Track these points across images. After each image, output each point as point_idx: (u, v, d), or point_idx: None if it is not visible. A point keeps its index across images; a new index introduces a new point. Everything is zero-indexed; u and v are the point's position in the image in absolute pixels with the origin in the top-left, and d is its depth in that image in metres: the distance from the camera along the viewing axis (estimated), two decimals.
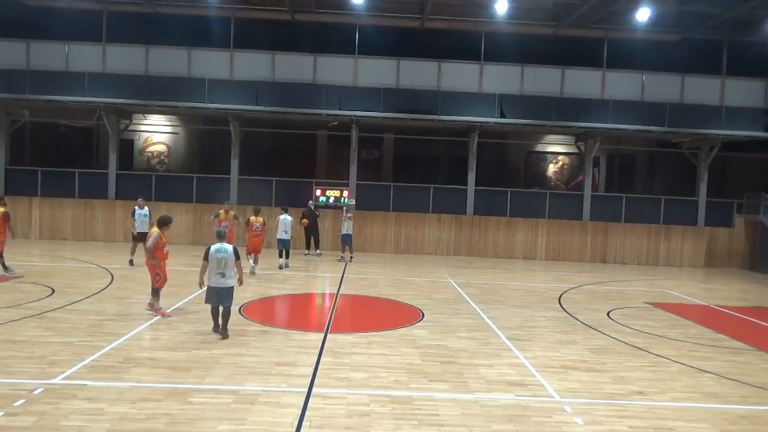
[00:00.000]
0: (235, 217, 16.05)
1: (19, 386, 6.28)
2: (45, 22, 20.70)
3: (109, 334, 8.52)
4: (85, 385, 6.43)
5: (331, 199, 21.43)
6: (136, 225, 15.02)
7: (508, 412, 6.27)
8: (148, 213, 15.09)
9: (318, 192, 21.54)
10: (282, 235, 16.05)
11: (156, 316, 9.79)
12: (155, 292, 10.03)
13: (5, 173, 21.24)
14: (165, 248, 10.12)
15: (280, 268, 15.88)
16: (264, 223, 15.23)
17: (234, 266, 8.86)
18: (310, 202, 19.50)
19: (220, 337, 8.64)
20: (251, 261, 14.78)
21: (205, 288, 8.91)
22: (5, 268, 13.02)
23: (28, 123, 22.67)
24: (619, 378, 7.65)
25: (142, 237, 14.30)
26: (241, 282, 9.15)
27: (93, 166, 23.72)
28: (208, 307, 8.91)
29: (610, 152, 25.62)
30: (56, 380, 6.53)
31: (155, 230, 10.01)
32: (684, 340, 9.96)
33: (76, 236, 20.60)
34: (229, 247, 8.85)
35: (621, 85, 21.17)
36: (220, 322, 8.77)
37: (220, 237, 9.04)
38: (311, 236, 19.33)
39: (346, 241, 18.31)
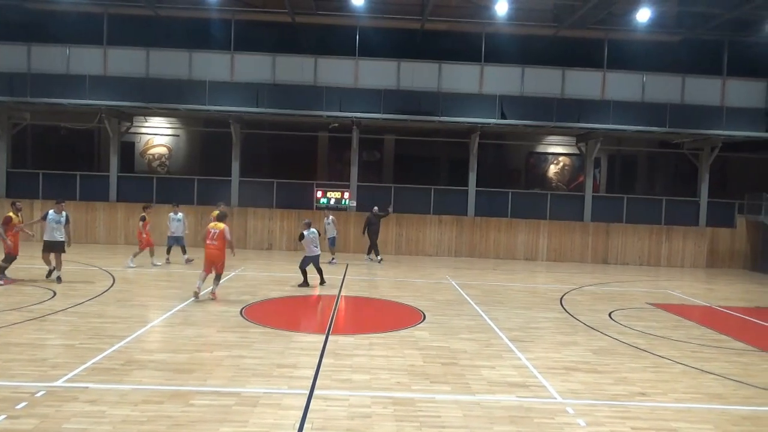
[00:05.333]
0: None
1: (21, 389, 6.28)
2: (46, 25, 20.80)
3: (111, 336, 8.52)
4: (87, 387, 6.42)
5: (332, 201, 21.49)
6: (45, 231, 12.77)
7: (510, 413, 6.25)
8: (64, 219, 12.82)
9: (319, 194, 21.62)
10: (176, 232, 16.49)
11: (212, 298, 11.48)
12: (219, 278, 11.85)
13: (7, 176, 21.30)
14: None
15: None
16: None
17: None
18: (375, 208, 19.29)
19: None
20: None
21: None
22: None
23: (30, 126, 22.73)
24: (621, 379, 7.63)
25: (52, 246, 12.71)
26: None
27: (94, 168, 23.78)
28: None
29: (611, 153, 25.62)
30: (58, 383, 6.52)
31: (224, 225, 11.70)
32: (686, 341, 9.94)
33: (77, 239, 20.39)
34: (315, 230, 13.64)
35: (622, 85, 21.16)
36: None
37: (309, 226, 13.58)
38: (375, 241, 19.06)
39: (332, 244, 18.27)
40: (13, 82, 19.88)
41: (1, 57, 20.28)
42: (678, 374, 7.99)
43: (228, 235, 11.65)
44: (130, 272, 14.71)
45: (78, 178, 21.50)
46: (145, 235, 15.61)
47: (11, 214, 12.72)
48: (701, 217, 22.32)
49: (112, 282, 13.10)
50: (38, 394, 6.14)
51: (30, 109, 21.58)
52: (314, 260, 13.70)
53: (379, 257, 18.95)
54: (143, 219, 15.65)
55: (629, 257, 21.90)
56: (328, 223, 18.13)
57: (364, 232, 19.12)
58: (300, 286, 13.50)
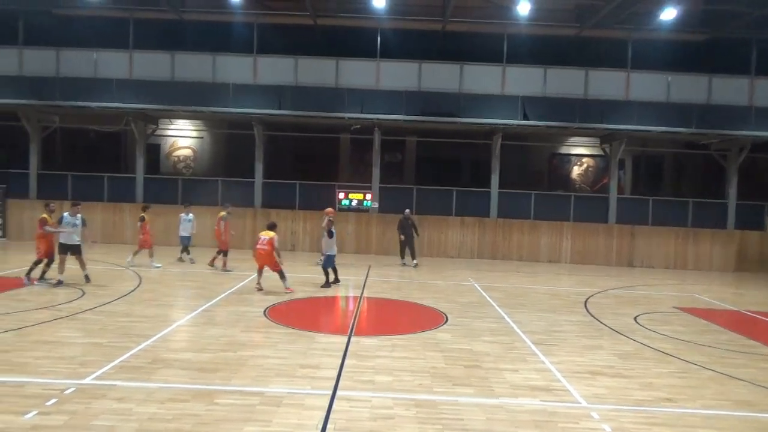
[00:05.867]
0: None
1: (51, 386, 6.43)
2: (74, 31, 21.23)
3: (138, 335, 8.67)
4: (115, 385, 6.54)
5: (354, 202, 21.56)
6: (61, 234, 12.45)
7: (534, 417, 6.20)
8: (79, 222, 12.66)
9: (341, 195, 21.72)
10: (183, 232, 16.84)
11: (288, 291, 12.63)
12: (283, 274, 12.78)
13: (37, 178, 21.81)
14: None
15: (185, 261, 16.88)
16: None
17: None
18: (407, 210, 19.04)
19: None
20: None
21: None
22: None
23: (59, 129, 23.22)
24: (647, 384, 7.51)
25: (68, 249, 12.46)
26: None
27: (121, 170, 24.22)
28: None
29: (635, 154, 25.25)
30: (87, 380, 6.66)
31: (273, 234, 12.70)
32: (714, 346, 9.74)
33: (105, 239, 21.00)
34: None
35: (646, 86, 20.85)
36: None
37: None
38: (406, 245, 18.67)
39: None
40: (43, 86, 20.37)
41: (31, 62, 20.83)
42: (705, 380, 7.84)
43: (276, 244, 12.69)
44: (155, 272, 14.94)
45: (105, 179, 21.94)
46: (143, 236, 15.66)
47: (45, 215, 12.81)
48: (729, 220, 21.86)
49: (138, 282, 13.33)
50: (68, 391, 6.28)
51: (59, 113, 22.07)
52: (333, 260, 14.02)
53: (403, 261, 18.81)
54: (142, 219, 15.70)
55: (655, 260, 21.54)
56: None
57: (400, 235, 18.91)
58: (323, 287, 13.58)
